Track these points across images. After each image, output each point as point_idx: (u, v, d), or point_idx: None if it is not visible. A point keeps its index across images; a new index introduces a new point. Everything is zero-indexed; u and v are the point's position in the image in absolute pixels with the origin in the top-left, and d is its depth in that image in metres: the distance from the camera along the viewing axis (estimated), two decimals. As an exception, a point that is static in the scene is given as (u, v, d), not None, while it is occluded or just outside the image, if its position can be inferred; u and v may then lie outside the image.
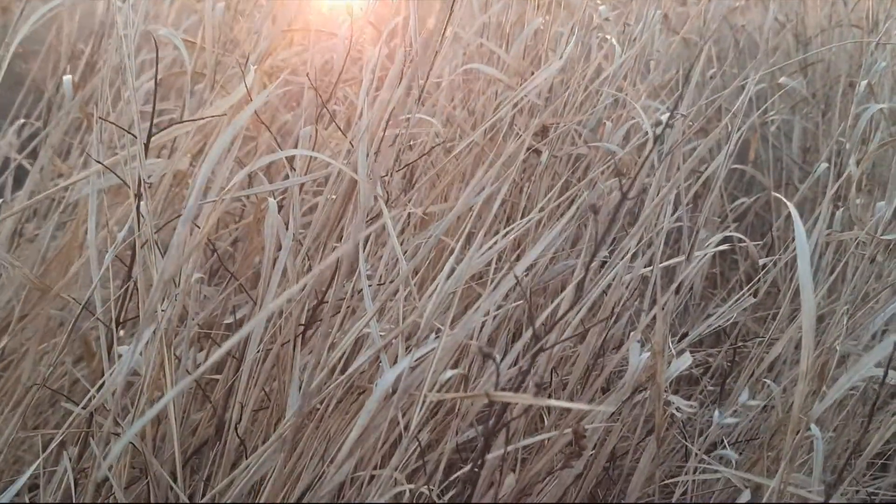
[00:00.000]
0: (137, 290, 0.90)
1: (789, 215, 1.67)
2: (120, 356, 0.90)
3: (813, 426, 0.72)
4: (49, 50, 1.46)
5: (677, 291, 0.99)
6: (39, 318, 1.08)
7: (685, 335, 1.02)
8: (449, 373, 0.70)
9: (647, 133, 1.59)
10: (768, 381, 0.95)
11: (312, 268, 0.94)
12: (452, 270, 0.84)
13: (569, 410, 0.90)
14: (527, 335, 0.75)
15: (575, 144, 1.46)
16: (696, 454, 0.86)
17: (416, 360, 0.76)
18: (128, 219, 1.06)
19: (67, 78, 1.17)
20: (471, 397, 0.72)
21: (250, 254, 1.08)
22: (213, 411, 0.98)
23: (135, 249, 0.87)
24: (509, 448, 0.73)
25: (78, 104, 1.17)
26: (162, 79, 1.30)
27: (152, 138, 0.93)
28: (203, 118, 0.94)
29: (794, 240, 0.94)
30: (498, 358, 0.70)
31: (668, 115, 0.98)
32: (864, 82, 1.33)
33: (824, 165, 1.47)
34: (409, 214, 1.15)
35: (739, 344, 1.15)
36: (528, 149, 1.46)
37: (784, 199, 0.82)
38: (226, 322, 1.08)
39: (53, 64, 1.29)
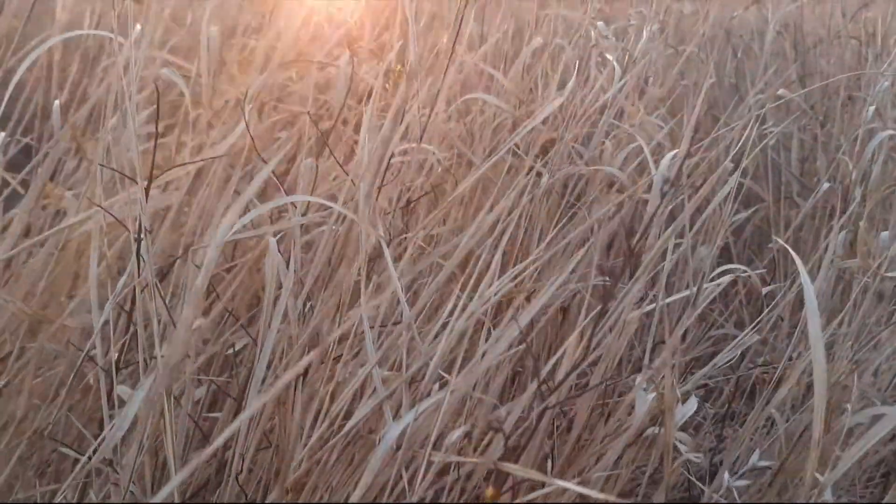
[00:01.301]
0: (136, 331, 0.89)
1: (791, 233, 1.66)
2: (120, 404, 0.89)
3: (827, 493, 0.72)
4: (39, 67, 1.43)
5: (683, 338, 0.98)
6: (34, 350, 1.07)
7: (689, 366, 1.02)
8: (456, 433, 0.69)
9: (648, 150, 1.58)
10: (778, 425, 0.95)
11: (314, 308, 0.93)
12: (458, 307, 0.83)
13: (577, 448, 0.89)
14: (531, 388, 0.74)
15: (574, 163, 1.45)
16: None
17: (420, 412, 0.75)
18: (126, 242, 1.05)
19: (56, 104, 1.15)
20: (478, 463, 0.71)
21: (249, 287, 1.07)
22: (213, 452, 0.96)
23: (134, 293, 0.85)
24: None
25: (68, 132, 1.15)
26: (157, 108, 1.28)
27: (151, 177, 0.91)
28: (201, 160, 0.92)
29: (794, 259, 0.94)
30: (505, 415, 0.69)
31: (673, 152, 0.97)
32: (871, 108, 1.32)
33: (826, 185, 1.46)
34: (409, 240, 1.14)
35: (747, 371, 1.14)
36: (528, 170, 1.45)
37: (793, 253, 0.80)
38: (225, 354, 1.06)
39: (44, 91, 1.27)
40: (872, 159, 1.37)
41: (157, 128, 0.86)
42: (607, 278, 1.33)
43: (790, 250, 0.88)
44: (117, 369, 0.88)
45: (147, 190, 0.83)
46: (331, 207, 1.01)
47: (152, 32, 1.25)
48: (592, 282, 1.33)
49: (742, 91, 1.95)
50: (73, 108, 1.30)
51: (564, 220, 1.47)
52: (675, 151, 0.91)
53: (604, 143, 1.46)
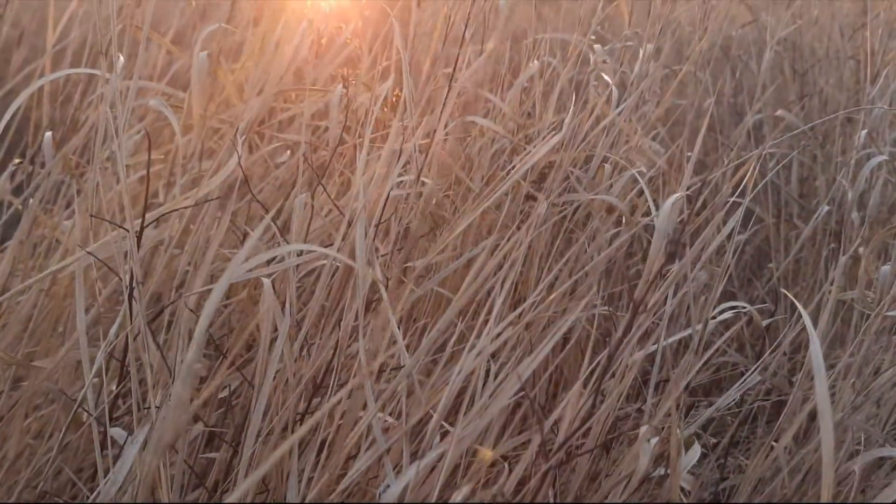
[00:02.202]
0: (130, 378, 0.87)
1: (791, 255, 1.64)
2: (113, 444, 0.87)
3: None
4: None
5: (687, 388, 0.96)
6: (25, 391, 1.05)
7: (692, 407, 1.00)
8: (460, 494, 0.67)
9: (646, 173, 1.57)
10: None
11: (311, 353, 0.91)
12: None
13: None
14: (535, 443, 0.73)
15: (573, 189, 1.43)
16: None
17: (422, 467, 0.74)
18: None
19: (48, 136, 1.13)
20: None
21: (244, 330, 1.05)
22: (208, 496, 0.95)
23: (127, 342, 0.83)
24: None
25: (60, 163, 1.13)
26: (150, 132, 1.26)
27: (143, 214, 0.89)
28: (193, 205, 0.90)
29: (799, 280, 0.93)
30: (507, 474, 0.67)
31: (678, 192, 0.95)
32: (863, 132, 1.31)
33: (825, 209, 1.45)
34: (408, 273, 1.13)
35: (749, 405, 1.13)
36: (525, 196, 1.44)
37: (802, 310, 0.79)
38: (219, 397, 1.04)
39: (34, 123, 1.25)
40: (870, 183, 1.36)
41: (147, 175, 0.84)
42: (609, 308, 1.32)
43: (789, 296, 0.86)
44: (111, 418, 0.86)
45: (139, 237, 0.81)
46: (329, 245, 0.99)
47: (152, 59, 1.23)
48: (596, 310, 1.32)
49: (741, 110, 1.94)
50: (77, 125, 1.27)
51: (562, 246, 1.46)
52: (675, 197, 0.90)
53: (602, 167, 1.44)
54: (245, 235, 1.20)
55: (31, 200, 1.10)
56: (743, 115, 1.95)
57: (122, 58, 0.93)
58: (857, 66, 1.81)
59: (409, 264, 1.16)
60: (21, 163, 1.40)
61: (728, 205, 1.77)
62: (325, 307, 0.95)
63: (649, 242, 1.61)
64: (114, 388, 0.94)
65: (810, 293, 1.63)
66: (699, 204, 1.87)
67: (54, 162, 1.08)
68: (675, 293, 0.95)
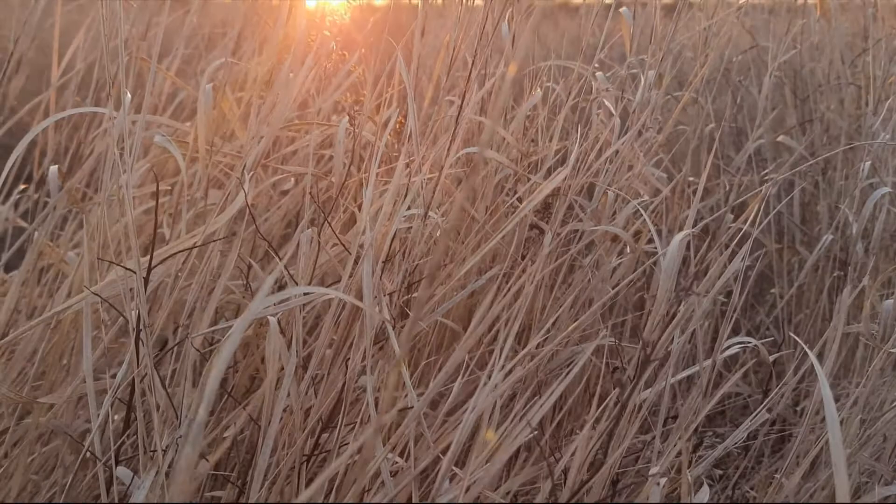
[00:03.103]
0: (137, 421, 0.86)
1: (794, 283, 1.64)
2: (121, 489, 0.87)
3: None
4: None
5: (696, 431, 0.96)
6: (30, 427, 1.04)
7: (700, 443, 1.00)
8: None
9: (649, 201, 1.57)
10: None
11: (318, 393, 0.91)
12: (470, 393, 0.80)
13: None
14: (545, 489, 0.72)
15: (577, 218, 1.43)
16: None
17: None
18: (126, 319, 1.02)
19: (53, 169, 1.13)
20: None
21: (249, 366, 1.05)
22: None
23: (133, 385, 0.83)
24: None
25: (65, 197, 1.13)
26: (156, 163, 1.26)
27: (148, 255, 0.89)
28: (198, 245, 0.90)
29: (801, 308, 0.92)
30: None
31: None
32: (867, 163, 1.31)
33: (829, 238, 1.45)
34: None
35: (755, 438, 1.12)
36: (529, 226, 1.44)
37: (811, 355, 0.79)
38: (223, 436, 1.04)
39: (40, 149, 1.25)
40: (873, 213, 1.36)
41: (156, 214, 0.84)
42: (615, 340, 1.32)
43: (797, 339, 0.86)
44: (117, 461, 0.86)
45: (146, 280, 0.81)
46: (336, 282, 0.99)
47: (158, 87, 1.23)
48: (601, 340, 1.31)
49: (742, 134, 1.95)
50: (82, 158, 1.27)
51: (566, 272, 1.46)
52: (681, 236, 0.90)
53: (606, 194, 1.45)
54: (249, 267, 1.20)
55: (36, 234, 1.10)
56: (744, 140, 1.96)
57: (129, 95, 0.93)
58: (858, 91, 1.82)
59: (413, 295, 1.16)
60: (26, 189, 1.40)
61: (731, 231, 1.77)
62: (332, 342, 0.95)
63: (653, 268, 1.62)
64: (120, 426, 0.94)
65: (814, 321, 1.63)
66: (701, 226, 1.88)
67: (59, 195, 1.08)
68: (681, 330, 0.95)
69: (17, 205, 1.40)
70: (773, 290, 1.83)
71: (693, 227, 0.93)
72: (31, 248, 1.06)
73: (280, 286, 1.24)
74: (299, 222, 1.36)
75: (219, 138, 1.21)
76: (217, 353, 0.78)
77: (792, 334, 1.06)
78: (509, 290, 0.88)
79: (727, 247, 1.00)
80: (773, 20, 2.60)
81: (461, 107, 1.06)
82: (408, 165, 1.08)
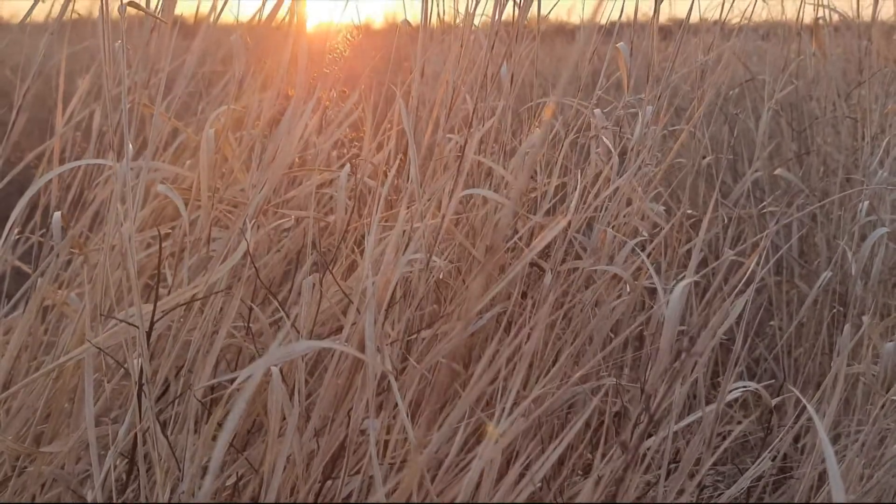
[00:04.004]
0: (139, 473, 0.86)
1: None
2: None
3: None
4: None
5: (700, 485, 0.96)
6: (31, 475, 1.04)
7: (701, 486, 0.99)
8: None
9: (648, 238, 1.58)
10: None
11: (320, 443, 0.91)
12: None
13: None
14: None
15: (576, 255, 1.44)
16: None
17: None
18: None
19: (57, 216, 1.13)
20: None
21: (251, 413, 1.05)
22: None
23: (136, 440, 0.83)
24: None
25: (68, 244, 1.13)
26: (159, 205, 1.26)
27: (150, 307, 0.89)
28: (199, 298, 0.90)
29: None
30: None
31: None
32: (865, 202, 1.32)
33: (828, 274, 1.45)
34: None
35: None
36: (529, 264, 1.44)
37: (811, 410, 0.79)
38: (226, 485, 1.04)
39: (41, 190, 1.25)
40: (872, 251, 1.37)
41: (158, 270, 0.85)
42: (618, 381, 1.32)
43: (797, 393, 0.86)
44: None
45: (148, 335, 0.81)
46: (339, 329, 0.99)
47: (159, 129, 1.23)
48: (599, 382, 1.32)
49: (739, 164, 1.96)
50: (85, 204, 1.27)
51: (566, 308, 1.46)
52: (684, 285, 0.90)
53: (605, 232, 1.45)
54: (251, 310, 1.20)
55: (38, 281, 1.10)
56: (741, 172, 1.97)
57: (131, 147, 0.94)
58: (854, 124, 1.83)
59: (417, 334, 1.16)
60: (21, 234, 1.40)
61: (733, 281, 1.78)
62: (336, 391, 0.95)
63: (652, 305, 1.62)
64: (122, 475, 0.94)
65: (813, 356, 1.63)
66: (699, 259, 1.88)
67: (63, 244, 1.09)
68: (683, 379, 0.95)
69: (14, 246, 1.40)
70: (772, 322, 1.83)
71: (695, 274, 0.93)
72: (33, 295, 1.06)
73: (280, 327, 1.24)
74: (300, 261, 1.36)
75: (220, 178, 1.21)
76: (221, 405, 0.79)
77: (791, 387, 1.06)
78: (513, 338, 0.88)
79: (729, 288, 1.00)
80: (766, 46, 2.63)
81: (462, 152, 1.07)
82: (408, 207, 1.09)
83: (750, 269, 0.94)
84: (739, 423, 1.47)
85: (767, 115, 1.58)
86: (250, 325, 1.18)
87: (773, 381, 1.81)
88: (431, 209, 1.07)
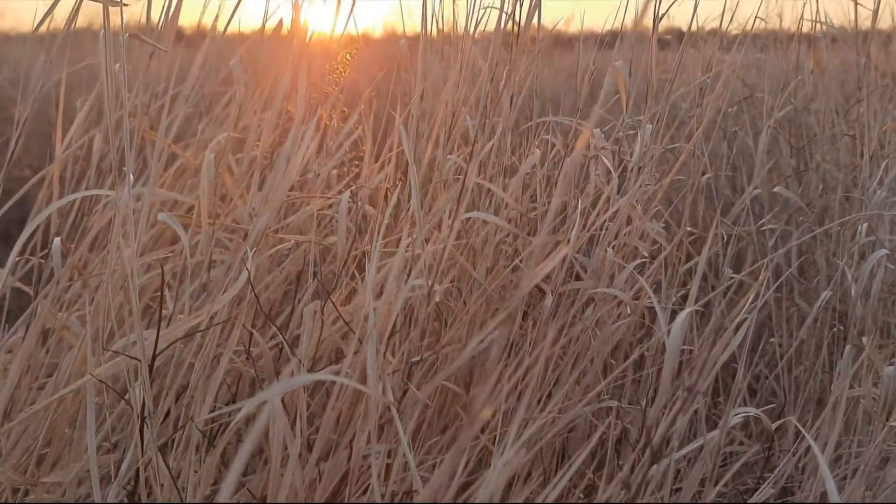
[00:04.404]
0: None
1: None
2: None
3: None
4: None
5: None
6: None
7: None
8: None
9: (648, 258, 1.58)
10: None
11: (322, 474, 0.91)
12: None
13: None
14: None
15: (576, 276, 1.44)
16: None
17: None
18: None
19: (57, 242, 1.13)
20: None
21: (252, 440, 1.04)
22: None
23: (138, 473, 0.83)
24: None
25: (68, 271, 1.13)
26: (160, 228, 1.26)
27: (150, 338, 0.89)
28: (200, 330, 0.90)
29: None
30: None
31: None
32: (864, 225, 1.32)
33: (827, 293, 1.46)
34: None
35: None
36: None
37: (815, 447, 0.79)
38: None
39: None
40: (872, 272, 1.37)
41: (160, 307, 0.85)
42: (619, 404, 1.32)
43: (800, 428, 0.86)
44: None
45: (151, 367, 0.81)
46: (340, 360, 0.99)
47: (157, 166, 1.23)
48: (600, 404, 1.32)
49: (738, 186, 1.96)
50: (85, 231, 1.27)
51: (565, 327, 1.46)
52: (684, 314, 0.90)
53: (605, 252, 1.45)
54: (251, 335, 1.20)
55: (39, 307, 1.10)
56: (740, 188, 1.97)
57: (131, 177, 0.94)
58: (852, 141, 1.84)
59: (419, 358, 1.16)
60: (21, 258, 1.40)
61: (731, 286, 1.78)
62: (338, 417, 0.95)
63: (651, 327, 1.62)
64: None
65: (813, 374, 1.63)
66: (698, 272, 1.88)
67: (63, 271, 1.09)
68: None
69: (15, 268, 1.40)
70: (772, 339, 1.83)
71: (695, 304, 0.93)
72: (34, 322, 1.06)
73: (280, 350, 1.24)
74: (300, 281, 1.37)
75: (220, 202, 1.22)
76: (222, 437, 0.79)
77: (793, 420, 1.06)
78: (513, 371, 0.88)
79: (731, 310, 1.00)
80: (765, 57, 2.63)
81: (463, 183, 1.07)
82: (409, 234, 1.09)
83: (752, 295, 0.94)
84: (741, 443, 1.47)
85: (767, 136, 1.58)
86: (250, 349, 1.18)
87: (773, 398, 1.82)
88: (433, 232, 1.07)
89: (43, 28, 1.19)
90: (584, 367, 1.32)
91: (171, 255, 1.24)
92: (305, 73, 1.27)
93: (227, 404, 1.14)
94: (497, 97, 1.35)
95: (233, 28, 1.32)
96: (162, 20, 1.10)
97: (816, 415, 1.71)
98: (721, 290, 1.59)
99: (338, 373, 0.93)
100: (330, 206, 1.43)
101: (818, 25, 2.03)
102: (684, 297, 1.92)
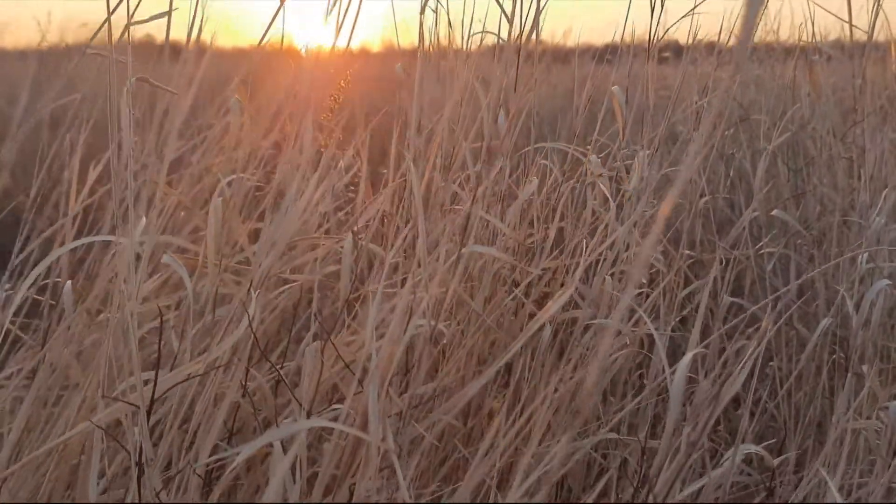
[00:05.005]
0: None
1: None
2: None
3: None
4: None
5: None
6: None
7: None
8: None
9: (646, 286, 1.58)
10: None
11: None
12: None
13: None
14: None
15: (576, 305, 1.44)
16: None
17: None
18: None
19: (68, 286, 1.13)
20: None
21: (251, 484, 1.04)
22: None
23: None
24: None
25: (80, 317, 1.13)
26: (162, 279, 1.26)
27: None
28: (199, 374, 0.90)
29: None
30: None
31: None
32: (864, 255, 1.32)
33: (827, 321, 1.46)
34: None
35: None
36: (528, 315, 1.44)
37: (832, 487, 0.79)
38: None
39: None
40: (871, 301, 1.37)
41: (159, 352, 0.85)
42: (618, 435, 1.32)
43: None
44: None
45: (148, 413, 0.81)
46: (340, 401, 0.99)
47: (163, 209, 1.23)
48: (598, 437, 1.31)
49: (736, 206, 1.97)
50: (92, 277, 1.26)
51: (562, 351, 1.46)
52: (686, 360, 0.90)
53: (604, 281, 1.45)
54: (247, 372, 1.20)
55: (46, 354, 1.10)
56: (738, 213, 1.97)
57: (143, 219, 0.94)
58: (849, 164, 1.84)
59: (420, 390, 1.15)
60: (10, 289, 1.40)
61: (730, 309, 1.78)
62: (338, 461, 0.94)
63: (652, 343, 1.61)
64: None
65: (813, 399, 1.63)
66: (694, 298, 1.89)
67: (74, 316, 1.09)
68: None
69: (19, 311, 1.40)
70: (771, 363, 1.83)
71: (697, 348, 0.93)
72: (41, 368, 1.06)
73: (278, 383, 1.24)
74: (296, 312, 1.36)
75: (227, 249, 1.21)
76: (220, 483, 0.78)
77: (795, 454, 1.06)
78: (511, 425, 0.88)
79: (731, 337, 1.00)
80: (763, 72, 2.64)
81: (464, 234, 1.07)
82: (405, 276, 1.09)
83: (748, 357, 0.94)
84: (742, 471, 1.46)
85: (765, 163, 1.59)
86: (248, 383, 1.18)
87: (773, 423, 1.81)
88: (433, 267, 1.07)
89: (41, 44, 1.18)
90: (583, 398, 1.31)
91: (175, 299, 1.24)
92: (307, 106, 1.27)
93: (224, 439, 1.13)
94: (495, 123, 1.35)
95: (231, 42, 1.32)
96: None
97: (817, 440, 1.71)
98: (721, 316, 1.60)
99: (337, 417, 0.93)
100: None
101: (815, 43, 2.04)
102: (682, 321, 1.92)
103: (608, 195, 1.50)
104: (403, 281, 1.08)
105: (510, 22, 1.44)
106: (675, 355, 1.79)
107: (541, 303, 1.42)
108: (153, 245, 0.95)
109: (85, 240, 1.02)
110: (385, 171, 1.54)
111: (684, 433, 0.89)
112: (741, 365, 0.94)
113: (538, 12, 1.43)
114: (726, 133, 2.00)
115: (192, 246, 1.13)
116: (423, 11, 1.44)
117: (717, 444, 1.69)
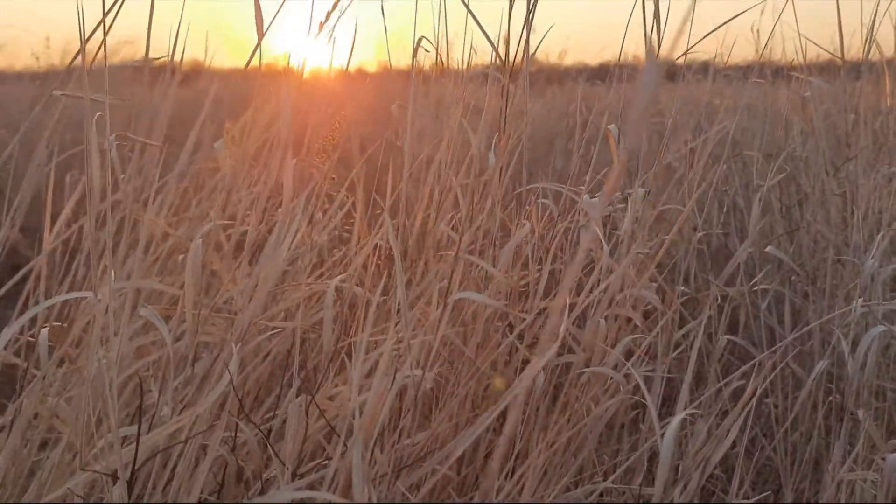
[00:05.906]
0: None
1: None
2: None
3: None
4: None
5: None
6: None
7: None
8: None
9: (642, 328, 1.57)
10: None
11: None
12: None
13: None
14: None
15: (570, 350, 1.43)
16: None
17: None
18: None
19: (43, 334, 1.12)
20: None
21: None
22: None
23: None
24: None
25: (55, 364, 1.12)
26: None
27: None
28: (182, 441, 0.89)
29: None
30: None
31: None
32: (859, 299, 1.31)
33: (823, 363, 1.44)
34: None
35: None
36: (522, 361, 1.43)
37: None
38: None
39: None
40: (867, 352, 1.36)
41: (139, 421, 0.83)
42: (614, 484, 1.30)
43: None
44: None
45: (130, 486, 0.79)
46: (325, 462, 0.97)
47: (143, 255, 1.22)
48: (594, 486, 1.30)
49: (730, 246, 1.96)
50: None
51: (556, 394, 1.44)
52: (678, 420, 0.89)
53: (599, 324, 1.44)
54: (236, 426, 1.18)
55: (23, 402, 1.08)
56: (732, 249, 1.97)
57: (114, 275, 0.93)
58: (843, 201, 1.84)
59: (410, 440, 1.14)
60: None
61: (727, 347, 1.76)
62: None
63: (644, 403, 1.60)
64: None
65: (808, 440, 1.62)
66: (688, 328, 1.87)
67: (49, 363, 1.07)
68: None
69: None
70: (767, 400, 1.82)
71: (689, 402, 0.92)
72: (18, 418, 1.05)
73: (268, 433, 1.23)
74: (289, 358, 1.35)
75: (205, 288, 1.20)
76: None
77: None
78: (506, 477, 0.87)
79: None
80: (756, 97, 2.64)
81: (450, 281, 1.06)
82: (397, 325, 1.08)
83: (745, 400, 0.93)
84: None
85: (759, 205, 1.58)
86: (236, 436, 1.16)
87: (769, 462, 1.80)
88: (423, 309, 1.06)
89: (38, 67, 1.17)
90: (578, 446, 1.30)
91: (156, 338, 1.23)
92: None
93: (213, 493, 1.12)
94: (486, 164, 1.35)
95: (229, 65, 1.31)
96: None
97: (814, 479, 1.69)
98: (716, 358, 1.59)
99: (324, 478, 0.92)
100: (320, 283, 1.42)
101: (806, 72, 2.04)
102: (679, 360, 1.91)
103: (601, 239, 1.49)
104: (395, 325, 1.07)
105: (500, 57, 1.44)
106: (672, 396, 1.78)
107: (535, 346, 1.41)
108: (132, 298, 0.94)
109: (65, 296, 1.01)
110: (380, 198, 1.53)
111: (676, 492, 0.88)
112: (735, 421, 0.92)
113: (528, 42, 1.41)
114: (719, 169, 1.99)
115: (171, 289, 1.11)
116: (415, 55, 1.44)
117: (713, 485, 1.67)
